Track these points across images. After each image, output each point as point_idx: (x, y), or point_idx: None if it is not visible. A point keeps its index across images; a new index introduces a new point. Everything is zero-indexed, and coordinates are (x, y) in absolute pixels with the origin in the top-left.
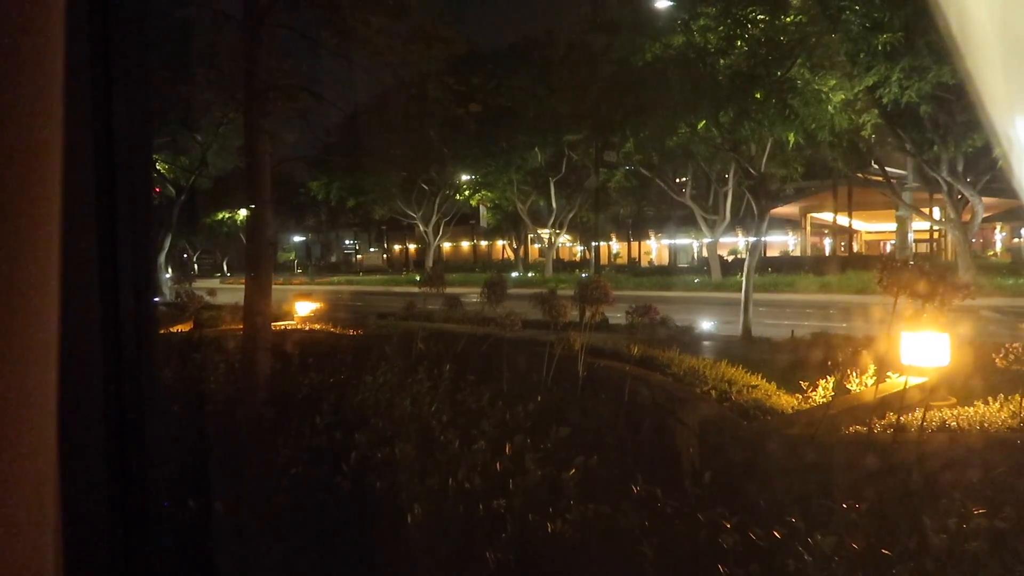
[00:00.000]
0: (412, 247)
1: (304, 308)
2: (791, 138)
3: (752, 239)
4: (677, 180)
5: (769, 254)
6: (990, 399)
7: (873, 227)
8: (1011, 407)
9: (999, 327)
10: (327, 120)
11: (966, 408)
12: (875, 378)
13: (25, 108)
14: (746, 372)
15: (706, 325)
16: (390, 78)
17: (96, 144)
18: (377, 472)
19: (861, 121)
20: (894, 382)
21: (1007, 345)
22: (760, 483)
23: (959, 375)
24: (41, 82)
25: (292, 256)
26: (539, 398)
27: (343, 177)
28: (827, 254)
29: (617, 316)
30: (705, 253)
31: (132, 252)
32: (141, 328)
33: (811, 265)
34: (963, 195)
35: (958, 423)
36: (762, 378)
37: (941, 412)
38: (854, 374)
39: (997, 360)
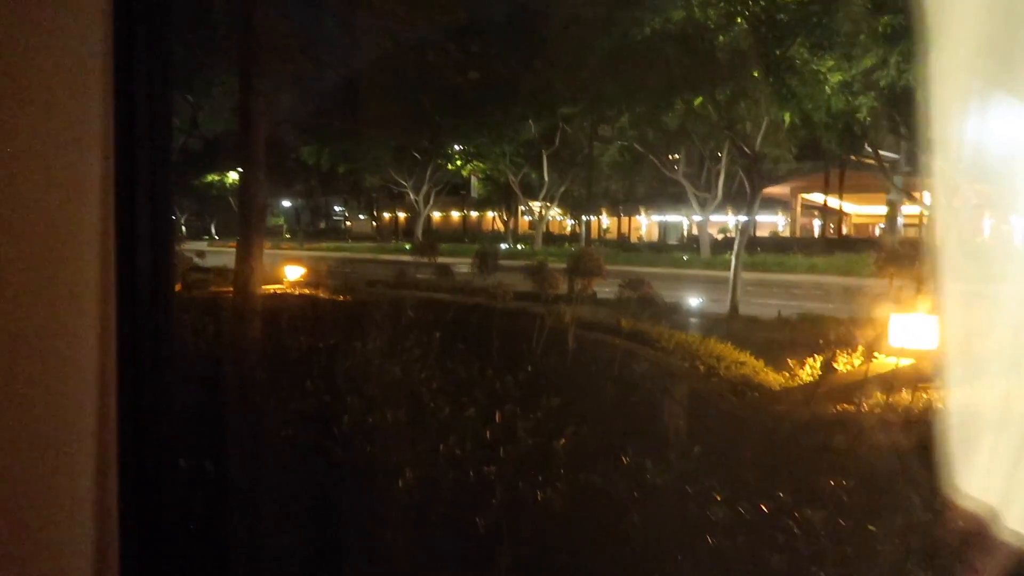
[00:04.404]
0: (402, 216)
1: (294, 273)
2: (787, 118)
3: (743, 218)
4: (670, 157)
5: (759, 234)
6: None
7: (863, 210)
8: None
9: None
10: (321, 85)
11: (954, 389)
12: (863, 358)
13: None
14: (734, 349)
15: (694, 302)
16: (389, 43)
17: (116, 109)
18: (368, 437)
19: (857, 103)
20: (883, 362)
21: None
22: (748, 457)
23: (948, 357)
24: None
25: (281, 221)
26: (529, 368)
27: (335, 143)
28: (816, 235)
29: (605, 291)
30: (695, 231)
31: (151, 219)
32: (158, 293)
33: (800, 246)
34: (954, 181)
35: (944, 404)
36: (750, 355)
37: (929, 393)
38: (842, 354)
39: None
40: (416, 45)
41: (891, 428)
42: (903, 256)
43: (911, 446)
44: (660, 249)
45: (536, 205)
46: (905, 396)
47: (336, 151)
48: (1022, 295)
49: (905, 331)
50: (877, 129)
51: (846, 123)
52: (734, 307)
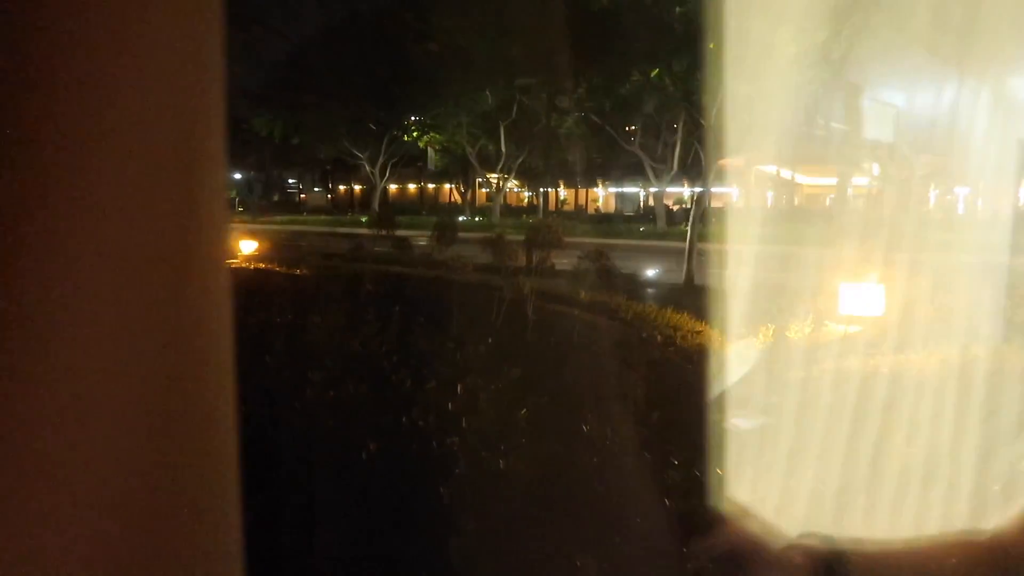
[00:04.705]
0: (358, 188)
1: (247, 247)
2: (740, 91)
3: (698, 190)
4: (627, 128)
5: (714, 205)
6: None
7: (816, 181)
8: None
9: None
10: (274, 54)
11: (899, 355)
12: (813, 326)
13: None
14: (690, 318)
15: (651, 272)
16: (344, 12)
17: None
18: (330, 410)
19: (810, 76)
20: (832, 330)
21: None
22: (704, 423)
23: (895, 324)
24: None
25: (233, 194)
26: (489, 340)
27: (288, 114)
28: (769, 206)
29: (563, 262)
30: (652, 202)
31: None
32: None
33: (753, 216)
34: (901, 152)
35: (889, 368)
36: (705, 324)
37: (875, 358)
38: (794, 322)
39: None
40: (372, 14)
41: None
42: (850, 227)
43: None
44: (617, 220)
45: (494, 177)
46: (852, 361)
47: (289, 122)
48: (959, 263)
49: (854, 299)
50: (829, 101)
51: (800, 94)
52: (690, 277)
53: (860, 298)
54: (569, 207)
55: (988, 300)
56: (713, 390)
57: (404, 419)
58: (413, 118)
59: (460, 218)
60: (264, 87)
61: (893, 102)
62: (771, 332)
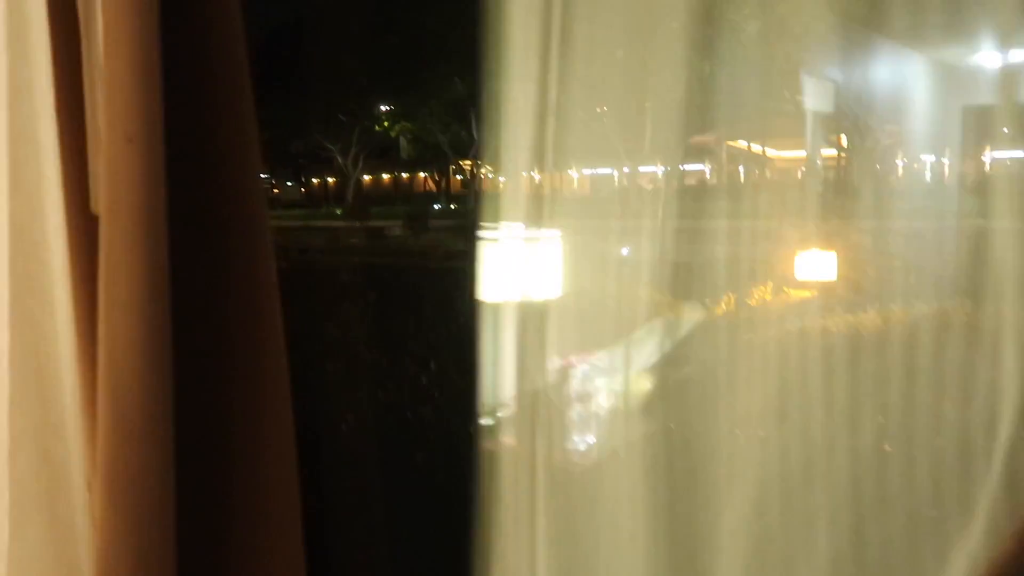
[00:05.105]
0: (331, 180)
1: None
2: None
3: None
4: (598, 109)
5: (688, 182)
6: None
7: (787, 154)
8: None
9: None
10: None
11: (850, 315)
12: (772, 293)
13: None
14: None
15: (624, 251)
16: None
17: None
18: (310, 389)
19: (775, 50)
20: (789, 295)
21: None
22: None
23: (843, 288)
24: None
25: None
26: (461, 322)
27: (257, 108)
28: (741, 181)
29: None
30: (626, 182)
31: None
32: None
33: (724, 192)
34: (867, 124)
35: (838, 328)
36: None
37: (828, 321)
38: (753, 290)
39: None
40: (332, 5)
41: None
42: (814, 197)
43: None
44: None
45: (468, 164)
46: (809, 323)
47: (259, 117)
48: (914, 228)
49: (807, 267)
50: (795, 75)
51: (764, 70)
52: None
53: (814, 265)
54: (545, 190)
55: (932, 263)
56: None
57: (380, 393)
58: (383, 108)
59: (435, 206)
60: None
61: (855, 73)
62: (732, 300)
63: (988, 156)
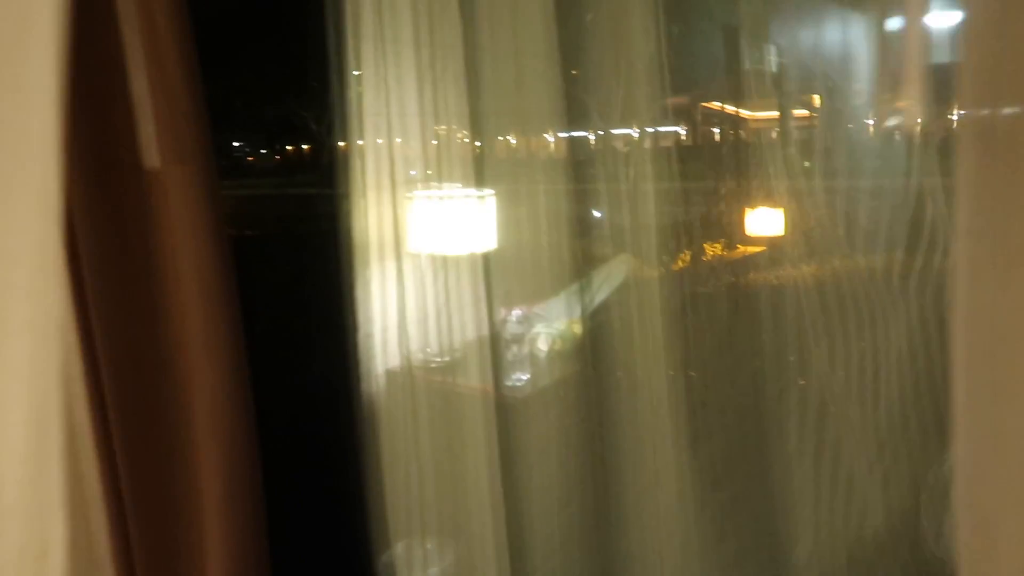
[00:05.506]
0: (306, 147)
1: None
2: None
3: (647, 130)
4: (573, 73)
5: (663, 144)
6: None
7: (759, 115)
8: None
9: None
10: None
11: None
12: (724, 248)
13: None
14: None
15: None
16: None
17: None
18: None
19: (745, 12)
20: (740, 250)
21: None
22: None
23: (790, 242)
24: None
25: None
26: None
27: (224, 76)
28: (713, 142)
29: None
30: (601, 146)
31: None
32: None
33: (700, 153)
34: (834, 83)
35: (795, 280)
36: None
37: (778, 272)
38: (710, 244)
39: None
40: None
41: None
42: (781, 157)
43: None
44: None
45: (442, 128)
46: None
47: (227, 84)
48: (865, 185)
49: (757, 223)
50: (765, 36)
51: (733, 32)
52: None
53: (764, 221)
54: (521, 155)
55: (868, 218)
56: None
57: None
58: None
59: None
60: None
61: (824, 33)
62: (688, 255)
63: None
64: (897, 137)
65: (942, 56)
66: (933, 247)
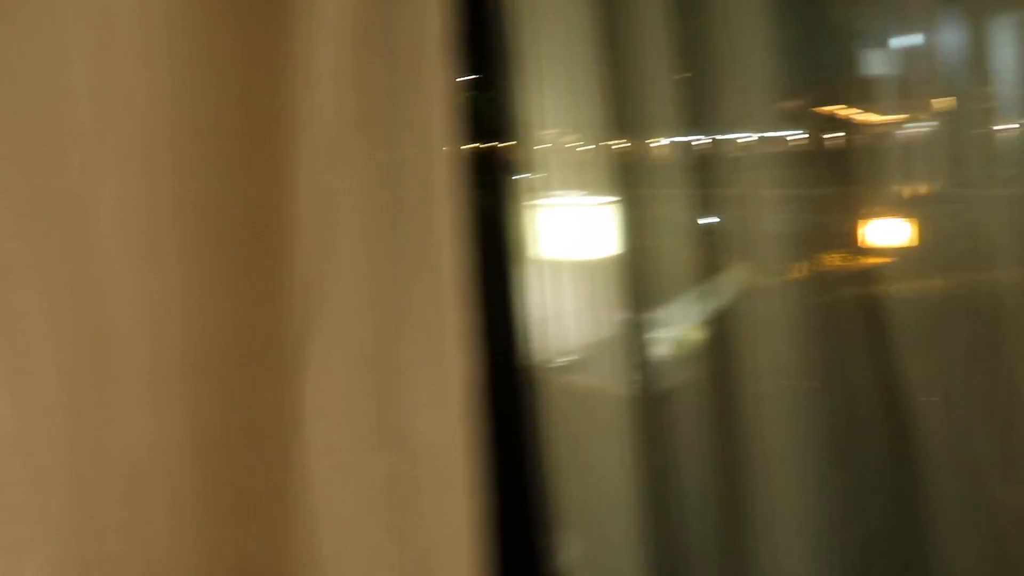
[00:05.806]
0: None
1: None
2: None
3: (755, 136)
4: (691, 75)
5: (776, 149)
6: None
7: (874, 118)
8: None
9: None
10: None
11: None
12: (844, 259)
13: None
14: None
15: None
16: None
17: None
18: None
19: (862, 12)
20: (861, 261)
21: None
22: None
23: (918, 253)
24: None
25: None
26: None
27: None
28: (829, 147)
29: None
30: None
31: None
32: None
33: (813, 158)
34: (956, 87)
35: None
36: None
37: (908, 284)
38: (830, 255)
39: None
40: None
41: None
42: (901, 164)
43: None
44: None
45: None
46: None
47: None
48: (995, 195)
49: (884, 233)
50: (883, 38)
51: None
52: None
53: (891, 231)
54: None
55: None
56: None
57: None
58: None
59: None
60: None
61: (954, 35)
62: (812, 264)
63: None
64: None
65: None
66: None
